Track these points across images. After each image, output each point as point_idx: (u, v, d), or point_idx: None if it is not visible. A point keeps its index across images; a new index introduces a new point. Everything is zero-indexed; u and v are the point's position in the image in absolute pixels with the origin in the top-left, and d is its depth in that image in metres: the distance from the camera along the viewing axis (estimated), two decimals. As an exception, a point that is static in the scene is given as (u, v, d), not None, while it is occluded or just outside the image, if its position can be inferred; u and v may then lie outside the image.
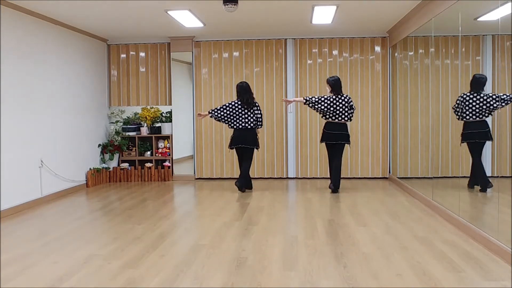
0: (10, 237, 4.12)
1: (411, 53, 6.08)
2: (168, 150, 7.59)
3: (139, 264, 3.29)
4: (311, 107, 6.05)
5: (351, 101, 6.05)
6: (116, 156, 7.54)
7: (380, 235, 3.96)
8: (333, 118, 6.00)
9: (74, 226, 4.47)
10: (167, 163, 7.55)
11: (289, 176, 7.47)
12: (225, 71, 7.47)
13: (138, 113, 7.70)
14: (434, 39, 5.02)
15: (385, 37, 7.28)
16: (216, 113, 6.15)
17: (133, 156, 7.61)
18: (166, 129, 7.61)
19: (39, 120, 5.69)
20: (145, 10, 5.54)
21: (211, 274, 3.07)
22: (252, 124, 6.12)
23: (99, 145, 7.31)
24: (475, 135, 4.46)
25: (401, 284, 2.85)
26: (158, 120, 7.67)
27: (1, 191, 4.92)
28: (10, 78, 5.13)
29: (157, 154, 7.61)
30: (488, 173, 4.50)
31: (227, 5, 4.80)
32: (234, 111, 6.10)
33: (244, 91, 6.11)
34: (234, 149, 6.31)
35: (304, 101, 6.03)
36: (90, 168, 6.96)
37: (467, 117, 4.48)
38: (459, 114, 4.60)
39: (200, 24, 6.33)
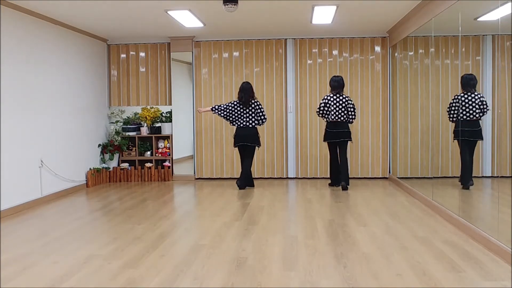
0: (10, 237, 4.12)
1: (411, 53, 6.08)
2: (168, 150, 7.59)
3: (139, 264, 3.29)
4: (319, 115, 6.40)
5: (350, 102, 6.22)
6: (116, 156, 7.55)
7: (380, 235, 3.96)
8: (332, 117, 6.17)
9: (74, 226, 4.47)
10: (167, 163, 7.55)
11: (289, 176, 7.47)
12: (225, 71, 7.47)
13: (138, 113, 7.71)
14: (434, 39, 5.02)
15: (385, 37, 7.28)
16: (218, 111, 6.48)
17: (133, 156, 7.61)
18: (166, 129, 7.61)
19: (39, 120, 5.69)
20: (145, 10, 5.54)
21: (211, 274, 3.07)
22: (253, 123, 6.38)
23: (99, 145, 7.31)
24: (466, 133, 4.49)
25: (401, 284, 2.85)
26: (158, 120, 7.67)
27: (1, 191, 4.92)
28: (10, 78, 5.13)
29: (157, 154, 7.61)
30: (488, 173, 4.50)
31: (227, 5, 4.80)
32: (234, 110, 6.40)
33: (243, 90, 6.38)
34: (237, 147, 6.59)
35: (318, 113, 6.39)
36: (90, 168, 6.96)
37: (459, 116, 4.51)
38: (451, 114, 4.63)
39: (200, 24, 6.33)
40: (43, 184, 5.74)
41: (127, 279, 3.00)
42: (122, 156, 7.60)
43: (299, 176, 7.47)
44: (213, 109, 6.49)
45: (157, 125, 7.65)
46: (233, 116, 6.42)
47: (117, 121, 7.62)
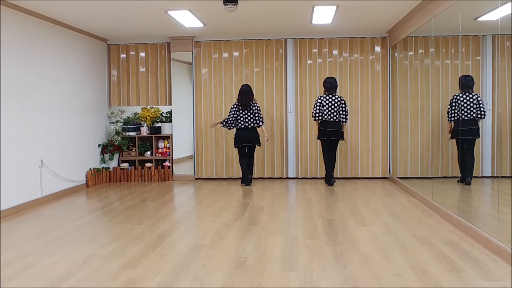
0: (10, 237, 4.12)
1: (411, 53, 6.08)
2: (168, 150, 7.59)
3: (139, 264, 3.29)
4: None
5: (343, 102, 6.49)
6: (116, 156, 7.54)
7: (380, 235, 3.96)
8: (326, 117, 6.44)
9: (74, 226, 4.47)
10: (167, 163, 7.55)
11: (289, 176, 7.47)
12: (225, 71, 7.47)
13: (138, 113, 7.71)
14: (434, 39, 5.02)
15: (385, 37, 7.28)
16: (227, 125, 6.73)
17: (133, 156, 7.61)
18: (166, 129, 7.61)
19: (39, 120, 5.69)
20: (145, 10, 5.54)
21: (211, 274, 3.07)
22: (252, 124, 6.60)
23: (99, 145, 7.31)
24: (464, 132, 4.53)
25: (401, 284, 2.85)
26: (158, 120, 7.67)
27: (1, 191, 4.92)
28: (10, 78, 5.13)
29: (157, 154, 7.61)
30: (488, 173, 4.50)
31: (227, 5, 4.80)
32: (237, 113, 6.66)
33: (243, 93, 6.64)
34: (237, 148, 6.77)
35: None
36: (90, 168, 6.96)
37: (457, 116, 4.54)
38: (450, 114, 4.67)
39: (200, 24, 6.33)
40: (43, 184, 5.74)
41: (127, 279, 3.00)
42: (122, 156, 7.60)
43: (299, 176, 7.47)
44: (222, 123, 6.76)
45: (157, 125, 7.65)
46: (237, 119, 6.66)
47: (117, 121, 7.62)
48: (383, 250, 3.54)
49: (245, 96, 6.61)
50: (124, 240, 3.93)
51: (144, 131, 7.64)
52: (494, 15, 3.86)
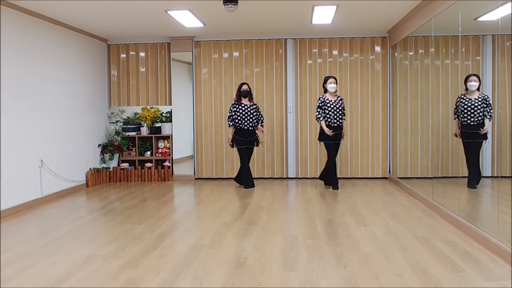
0: (10, 237, 4.12)
1: (411, 53, 6.08)
2: (168, 150, 7.59)
3: (139, 264, 3.29)
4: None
5: (342, 102, 6.33)
6: (116, 156, 7.54)
7: (380, 235, 3.96)
8: (331, 119, 6.24)
9: (74, 226, 4.47)
10: (167, 163, 7.55)
11: (289, 176, 7.47)
12: (225, 71, 7.47)
13: (138, 113, 7.71)
14: (434, 39, 5.02)
15: (385, 37, 7.28)
16: (233, 122, 6.48)
17: (133, 156, 7.61)
18: (166, 129, 7.61)
19: (39, 120, 5.69)
20: (145, 10, 5.54)
21: (211, 274, 3.07)
22: (254, 125, 6.57)
23: (99, 145, 7.31)
24: (471, 135, 4.47)
25: (401, 284, 2.85)
26: (158, 120, 7.67)
27: (1, 191, 4.92)
28: (10, 78, 5.13)
29: (157, 154, 7.61)
30: (488, 173, 4.50)
31: (227, 5, 4.80)
32: (237, 112, 6.48)
33: (245, 94, 6.51)
34: (237, 148, 6.58)
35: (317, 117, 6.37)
36: (90, 168, 6.96)
37: (463, 118, 4.52)
38: (458, 113, 4.62)
39: (200, 24, 6.33)
40: (43, 184, 5.74)
41: (127, 279, 3.00)
42: (122, 156, 7.60)
43: (299, 176, 7.47)
44: (231, 125, 6.50)
45: (157, 125, 7.65)
46: (238, 119, 6.45)
47: (117, 121, 7.62)
48: (383, 250, 3.54)
49: (247, 96, 6.50)
50: (124, 240, 3.93)
51: (144, 131, 7.64)
52: (494, 15, 3.86)
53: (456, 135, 4.71)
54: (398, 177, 6.76)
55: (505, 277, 2.94)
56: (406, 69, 6.37)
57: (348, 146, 7.32)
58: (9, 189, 5.07)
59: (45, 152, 5.79)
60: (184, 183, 7.22)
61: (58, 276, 3.06)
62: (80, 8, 5.43)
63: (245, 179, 6.61)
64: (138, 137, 7.62)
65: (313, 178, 7.42)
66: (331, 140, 6.24)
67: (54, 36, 6.04)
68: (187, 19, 6.03)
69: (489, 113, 4.32)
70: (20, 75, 5.31)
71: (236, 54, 7.46)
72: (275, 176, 7.50)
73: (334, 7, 5.47)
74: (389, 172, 7.30)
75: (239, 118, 6.43)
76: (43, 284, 2.94)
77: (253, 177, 6.83)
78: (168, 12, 5.60)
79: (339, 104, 6.22)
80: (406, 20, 5.99)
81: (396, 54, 6.91)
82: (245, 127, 6.46)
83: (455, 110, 4.67)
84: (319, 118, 6.24)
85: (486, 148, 4.41)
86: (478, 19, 4.29)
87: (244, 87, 6.48)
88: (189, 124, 7.61)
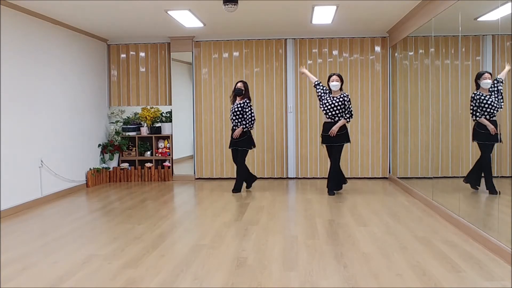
0: (10, 237, 4.12)
1: (411, 53, 6.08)
2: (168, 150, 7.59)
3: (139, 264, 3.29)
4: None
5: (344, 101, 5.76)
6: (116, 156, 7.54)
7: (380, 235, 3.96)
8: (327, 116, 5.80)
9: (74, 226, 4.47)
10: (167, 163, 7.55)
11: (289, 176, 7.47)
12: (225, 71, 7.47)
13: (138, 113, 7.71)
14: (434, 39, 5.02)
15: (385, 37, 7.28)
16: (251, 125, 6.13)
17: (133, 156, 7.61)
18: (166, 129, 7.61)
19: (39, 120, 5.69)
20: (145, 10, 5.54)
21: (211, 274, 3.07)
22: (239, 125, 6.14)
23: (99, 145, 7.31)
24: (483, 136, 4.26)
25: (401, 284, 2.85)
26: (158, 120, 7.67)
27: (1, 191, 4.92)
28: (10, 78, 5.13)
29: (157, 154, 7.61)
30: (488, 173, 4.50)
31: (227, 5, 4.80)
32: (231, 111, 6.26)
33: (247, 91, 6.18)
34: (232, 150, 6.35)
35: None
36: (90, 168, 6.96)
37: (477, 117, 4.30)
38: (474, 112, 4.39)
39: (200, 24, 6.33)
40: (43, 184, 5.74)
41: (127, 279, 3.00)
42: (122, 156, 7.60)
43: (299, 176, 7.47)
44: (247, 129, 6.13)
45: (157, 125, 7.65)
46: (231, 118, 6.19)
47: (117, 121, 7.62)
48: (383, 250, 3.54)
49: (242, 94, 6.11)
50: (124, 240, 3.93)
51: (144, 131, 7.64)
52: (494, 15, 3.86)
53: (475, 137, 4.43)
54: (398, 177, 6.76)
55: (505, 277, 2.94)
56: (406, 69, 6.37)
57: (348, 146, 7.31)
58: (9, 189, 5.07)
59: (45, 152, 5.79)
60: (184, 183, 7.22)
61: (58, 276, 3.06)
62: (80, 8, 5.43)
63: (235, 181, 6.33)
64: (138, 137, 7.62)
65: (313, 178, 7.42)
66: (327, 141, 5.87)
67: (54, 36, 6.04)
68: (187, 19, 6.03)
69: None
70: (20, 75, 5.31)
71: (236, 54, 7.46)
72: (275, 176, 7.50)
73: (334, 7, 5.47)
74: (389, 172, 7.30)
75: (231, 117, 6.19)
76: (43, 284, 2.94)
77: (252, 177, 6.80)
78: (168, 12, 5.60)
79: (338, 100, 5.74)
80: (406, 20, 5.99)
81: (396, 54, 6.91)
82: (233, 126, 6.19)
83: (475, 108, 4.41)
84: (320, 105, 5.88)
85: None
86: (478, 19, 4.29)
87: (238, 85, 6.11)
88: (189, 124, 7.61)
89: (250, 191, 6.28)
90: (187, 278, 3.00)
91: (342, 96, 5.78)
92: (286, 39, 7.38)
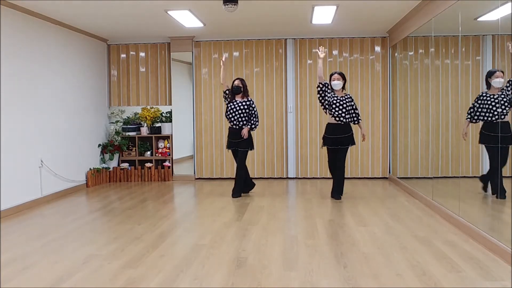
0: (10, 237, 4.12)
1: (411, 53, 6.08)
2: (168, 150, 7.59)
3: (139, 264, 3.29)
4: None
5: (351, 101, 5.58)
6: (116, 156, 7.54)
7: (380, 235, 3.96)
8: (334, 116, 5.49)
9: (74, 226, 4.47)
10: (167, 163, 7.55)
11: (289, 176, 7.47)
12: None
13: (138, 113, 7.71)
14: (434, 39, 5.02)
15: (385, 37, 7.28)
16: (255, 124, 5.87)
17: (133, 156, 7.61)
18: (166, 129, 7.61)
19: (39, 120, 5.69)
20: (145, 10, 5.54)
21: (211, 274, 3.07)
22: (242, 124, 5.86)
23: (99, 145, 7.31)
24: (491, 139, 4.01)
25: (401, 284, 2.85)
26: (158, 120, 7.67)
27: (1, 191, 4.92)
28: (10, 78, 5.13)
29: (157, 154, 7.61)
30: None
31: (227, 5, 4.80)
32: (229, 109, 5.89)
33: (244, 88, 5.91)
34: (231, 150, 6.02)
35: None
36: (90, 168, 6.96)
37: (484, 118, 4.13)
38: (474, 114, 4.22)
39: (200, 24, 6.33)
40: (43, 184, 5.74)
41: (127, 279, 3.00)
42: (122, 156, 7.60)
43: (299, 176, 7.47)
44: (252, 128, 5.87)
45: (157, 125, 7.65)
46: (229, 117, 5.85)
47: (117, 121, 7.62)
48: (383, 250, 3.54)
49: (241, 92, 5.87)
50: (124, 240, 3.93)
51: (144, 131, 7.64)
52: (494, 15, 3.86)
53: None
54: (398, 177, 6.76)
55: (505, 277, 2.94)
56: (406, 69, 6.36)
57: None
58: (9, 189, 5.07)
59: (45, 152, 5.79)
60: (184, 183, 7.22)
61: (58, 276, 3.06)
62: (80, 8, 5.43)
63: (235, 184, 5.96)
64: (138, 137, 7.62)
65: (313, 178, 7.42)
66: (330, 144, 5.58)
67: (54, 36, 6.04)
68: (187, 19, 6.02)
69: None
70: (20, 75, 5.31)
71: (236, 54, 7.46)
72: (275, 176, 7.50)
73: (334, 7, 5.47)
74: (389, 172, 7.30)
75: (229, 115, 5.80)
76: (43, 284, 2.94)
77: (252, 177, 6.80)
78: (168, 12, 5.60)
79: (346, 101, 5.47)
80: (406, 20, 5.99)
81: (396, 54, 6.91)
82: (233, 126, 5.81)
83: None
84: (322, 102, 5.46)
85: (484, 148, 4.40)
86: (478, 19, 4.29)
87: (236, 82, 5.83)
88: (189, 124, 7.61)
89: (248, 194, 6.24)
90: (187, 278, 3.00)
91: (348, 96, 5.53)
92: (286, 39, 7.38)
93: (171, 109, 7.61)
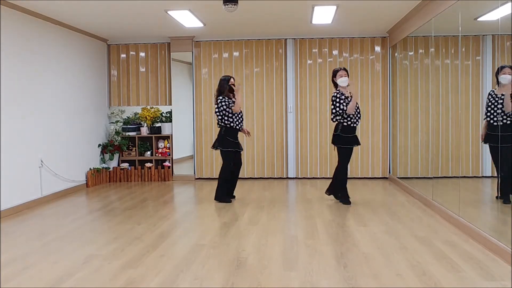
0: (10, 237, 4.12)
1: (411, 53, 6.08)
2: (168, 150, 7.59)
3: (139, 264, 3.29)
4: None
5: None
6: (116, 156, 7.54)
7: (380, 235, 3.96)
8: (354, 125, 5.20)
9: (74, 226, 4.47)
10: (167, 163, 7.55)
11: (289, 176, 7.47)
12: (225, 71, 7.46)
13: (138, 113, 7.71)
14: (434, 39, 5.02)
15: (385, 37, 7.28)
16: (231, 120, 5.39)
17: (133, 156, 7.61)
18: (166, 129, 7.61)
19: (39, 120, 5.69)
20: (145, 10, 5.54)
21: (211, 274, 3.07)
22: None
23: (99, 145, 7.31)
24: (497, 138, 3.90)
25: (401, 284, 2.85)
26: (158, 120, 7.67)
27: (1, 191, 4.92)
28: (10, 78, 5.13)
29: (157, 154, 7.61)
30: (488, 173, 4.50)
31: (227, 5, 4.80)
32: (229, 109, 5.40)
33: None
34: (225, 152, 5.44)
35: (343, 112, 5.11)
36: (90, 168, 6.96)
37: (494, 117, 4.00)
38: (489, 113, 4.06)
39: (200, 24, 6.33)
40: (43, 184, 5.74)
41: (127, 279, 3.00)
42: (122, 156, 7.60)
43: (299, 176, 7.47)
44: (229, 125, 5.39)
45: (157, 125, 7.65)
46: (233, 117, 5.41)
47: (117, 121, 7.62)
48: (383, 250, 3.54)
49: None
50: (124, 240, 3.93)
51: (144, 131, 7.64)
52: (494, 15, 3.86)
53: None
54: (398, 177, 6.76)
55: (505, 277, 2.94)
56: (406, 69, 6.37)
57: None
58: (9, 189, 5.07)
59: (45, 152, 5.79)
60: (184, 183, 7.22)
61: (58, 276, 3.06)
62: (80, 8, 5.43)
63: (226, 189, 5.57)
64: (138, 137, 7.62)
65: (313, 178, 7.42)
66: (350, 144, 5.22)
67: (54, 36, 6.04)
68: (187, 19, 6.02)
69: None
70: (20, 75, 5.31)
71: (236, 54, 7.46)
72: (275, 176, 7.50)
73: (334, 7, 5.47)
74: (389, 172, 7.30)
75: (239, 116, 5.43)
76: (43, 284, 2.94)
77: (252, 177, 6.79)
78: (168, 12, 5.60)
79: (357, 106, 5.20)
80: (406, 20, 5.99)
81: (396, 54, 6.91)
82: (237, 127, 5.43)
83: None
84: (339, 113, 5.08)
85: (486, 148, 4.40)
86: (478, 19, 4.29)
87: (232, 80, 5.42)
88: (189, 124, 7.61)
89: (243, 195, 6.23)
90: (187, 278, 3.00)
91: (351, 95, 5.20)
92: (286, 39, 7.38)
93: (171, 109, 7.61)
